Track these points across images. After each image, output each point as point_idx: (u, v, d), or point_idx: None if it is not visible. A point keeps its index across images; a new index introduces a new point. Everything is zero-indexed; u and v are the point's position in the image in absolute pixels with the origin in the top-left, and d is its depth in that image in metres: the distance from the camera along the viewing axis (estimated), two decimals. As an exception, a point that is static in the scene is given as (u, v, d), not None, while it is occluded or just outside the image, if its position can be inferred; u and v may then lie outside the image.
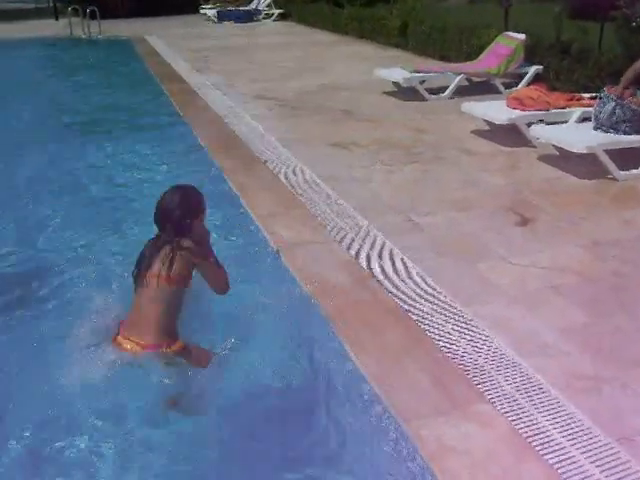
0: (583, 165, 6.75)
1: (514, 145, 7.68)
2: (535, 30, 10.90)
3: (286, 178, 6.71)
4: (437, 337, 3.96)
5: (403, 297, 4.42)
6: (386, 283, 4.61)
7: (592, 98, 7.81)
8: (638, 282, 4.63)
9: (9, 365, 3.79)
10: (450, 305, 4.31)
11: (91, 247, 5.33)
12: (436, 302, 4.35)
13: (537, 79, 10.15)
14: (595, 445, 3.09)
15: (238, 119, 9.19)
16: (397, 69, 10.77)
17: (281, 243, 5.22)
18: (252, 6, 23.37)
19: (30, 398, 3.53)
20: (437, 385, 3.52)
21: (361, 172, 6.95)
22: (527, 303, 4.34)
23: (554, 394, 3.44)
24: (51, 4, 24.20)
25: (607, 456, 3.03)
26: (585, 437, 3.15)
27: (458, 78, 10.34)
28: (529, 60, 10.59)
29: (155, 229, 3.71)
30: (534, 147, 7.54)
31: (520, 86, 10.13)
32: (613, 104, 6.74)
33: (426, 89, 10.35)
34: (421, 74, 10.49)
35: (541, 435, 3.16)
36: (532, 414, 3.30)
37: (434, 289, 4.52)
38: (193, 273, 3.66)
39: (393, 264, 4.88)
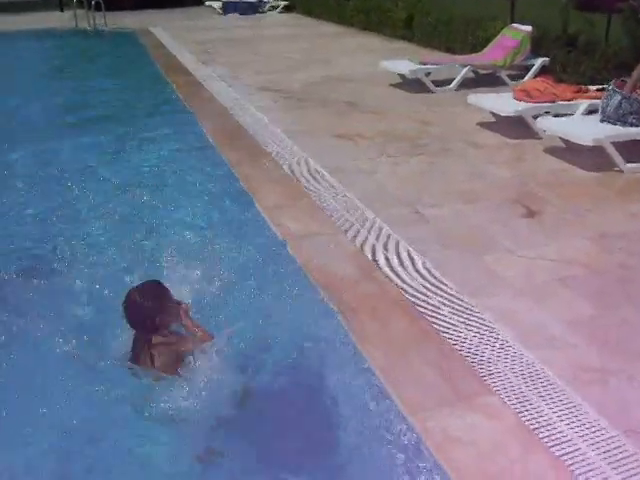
0: (589, 157, 6.74)
1: (520, 137, 7.66)
2: (541, 22, 10.85)
3: (291, 170, 6.71)
4: (443, 329, 3.96)
5: (409, 289, 4.42)
6: (392, 275, 4.61)
7: (599, 90, 7.79)
8: (645, 274, 4.62)
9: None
10: (456, 297, 4.31)
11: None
12: (442, 294, 4.35)
13: (543, 71, 10.11)
14: (602, 437, 3.10)
15: (243, 111, 9.18)
16: (404, 61, 10.73)
17: (288, 235, 5.22)
18: (257, -2, 23.31)
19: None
20: (443, 377, 3.52)
21: (367, 164, 6.94)
22: (534, 295, 4.34)
23: (561, 386, 3.44)
24: (56, -4, 24.16)
25: (614, 448, 3.03)
26: (592, 429, 3.15)
27: (464, 70, 10.30)
28: (535, 52, 10.55)
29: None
30: (540, 139, 7.53)
31: (526, 78, 10.10)
32: (620, 97, 6.71)
33: (432, 81, 10.32)
34: (427, 66, 10.46)
35: (548, 427, 3.16)
36: (539, 406, 3.30)
37: (440, 281, 4.51)
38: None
39: (399, 256, 4.88)
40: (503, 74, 10.36)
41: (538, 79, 8.60)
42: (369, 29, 16.95)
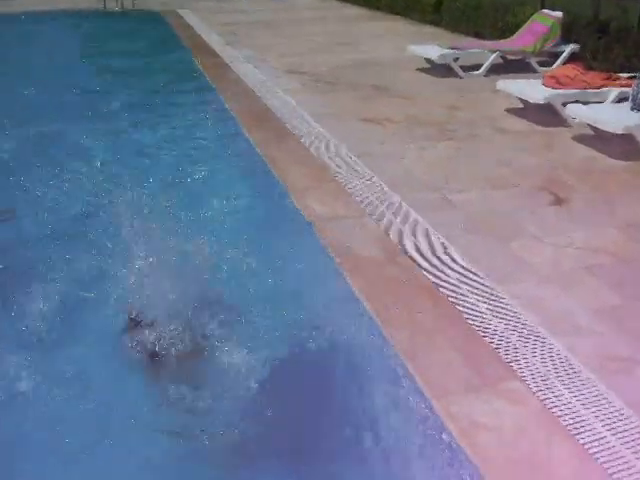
0: (619, 145, 6.66)
1: (549, 124, 7.59)
2: (572, 8, 10.70)
3: (318, 152, 6.70)
4: (469, 314, 3.95)
5: (435, 274, 4.41)
6: (419, 259, 4.60)
7: (630, 78, 7.69)
8: (673, 264, 4.58)
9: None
10: (482, 283, 4.29)
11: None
12: (468, 280, 4.34)
13: (573, 58, 9.98)
14: (627, 427, 3.08)
15: (271, 93, 9.18)
16: (432, 46, 10.66)
17: (313, 217, 5.22)
18: (284, -20, 23.16)
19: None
20: (468, 362, 3.52)
21: (394, 148, 6.92)
22: (560, 283, 4.31)
23: (586, 374, 3.43)
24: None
25: (639, 437, 3.01)
26: (617, 418, 3.13)
27: (493, 56, 10.21)
28: (565, 38, 10.41)
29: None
30: (569, 126, 7.46)
31: (556, 65, 9.99)
32: (651, 85, 6.64)
33: (460, 66, 10.25)
34: (456, 51, 10.38)
35: (572, 415, 3.15)
36: (563, 393, 3.29)
37: (466, 267, 4.50)
38: None
39: (425, 240, 4.87)
40: (532, 60, 10.25)
41: (569, 66, 8.50)
42: (396, 12, 16.82)
